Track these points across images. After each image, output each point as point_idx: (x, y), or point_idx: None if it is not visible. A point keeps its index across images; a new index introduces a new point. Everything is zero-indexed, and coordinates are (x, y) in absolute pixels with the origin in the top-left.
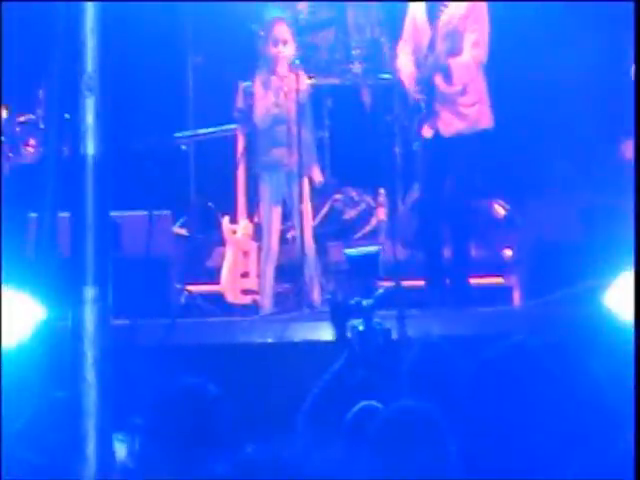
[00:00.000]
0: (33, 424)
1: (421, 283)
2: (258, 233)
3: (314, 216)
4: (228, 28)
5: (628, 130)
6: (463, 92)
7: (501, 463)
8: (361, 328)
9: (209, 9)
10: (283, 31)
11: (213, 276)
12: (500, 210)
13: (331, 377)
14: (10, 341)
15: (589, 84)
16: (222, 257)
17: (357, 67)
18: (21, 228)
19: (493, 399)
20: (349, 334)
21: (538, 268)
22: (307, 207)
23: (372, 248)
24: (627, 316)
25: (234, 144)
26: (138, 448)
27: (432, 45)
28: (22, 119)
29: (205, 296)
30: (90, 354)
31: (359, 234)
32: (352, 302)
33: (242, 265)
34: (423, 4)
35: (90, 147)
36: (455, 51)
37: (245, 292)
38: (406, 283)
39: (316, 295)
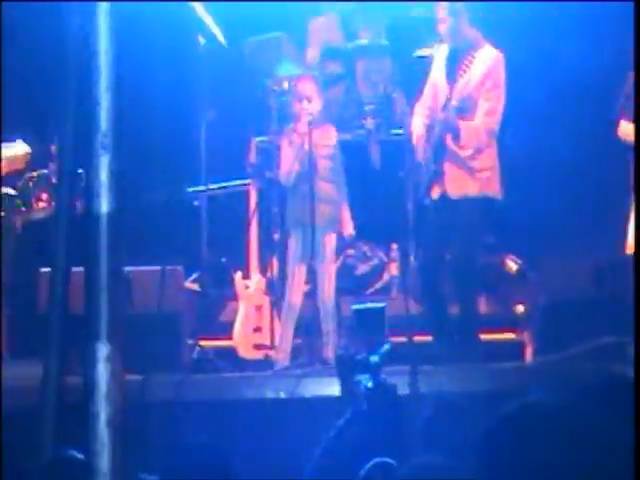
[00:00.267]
0: None
1: (432, 338)
2: (271, 288)
3: None
4: (241, 83)
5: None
6: (474, 156)
7: None
8: (368, 384)
9: (222, 64)
10: (308, 87)
11: (226, 331)
12: (512, 265)
13: (337, 433)
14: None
15: (600, 142)
16: (234, 312)
17: (369, 123)
18: (33, 283)
19: (506, 457)
20: (355, 389)
21: (550, 324)
22: (332, 263)
23: (378, 304)
24: None
25: (247, 199)
26: None
27: (446, 106)
28: (34, 174)
29: (217, 351)
30: (104, 413)
31: (371, 289)
32: (359, 357)
33: (254, 320)
34: (443, 67)
35: (104, 205)
36: (467, 115)
37: (257, 347)
38: (418, 338)
39: (329, 350)
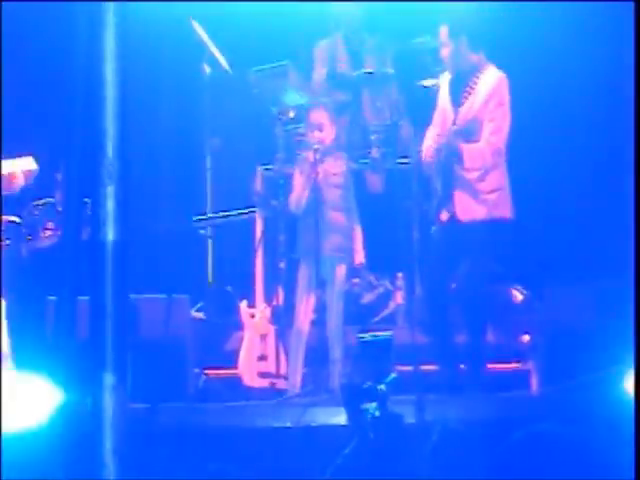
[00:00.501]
0: None
1: (438, 367)
2: (276, 317)
3: None
4: (247, 112)
5: None
6: (481, 178)
7: None
8: (375, 413)
9: (228, 92)
10: (319, 116)
11: (231, 360)
12: (518, 295)
13: (343, 461)
14: (28, 427)
15: (607, 170)
16: (240, 341)
17: (375, 151)
18: (40, 312)
19: None
20: (362, 418)
21: (556, 353)
22: (340, 292)
23: (385, 333)
24: None
25: (252, 228)
26: None
27: (449, 131)
28: (40, 202)
29: (223, 380)
30: (109, 440)
31: (377, 318)
32: (365, 386)
33: (259, 348)
34: (448, 92)
35: (110, 233)
36: (474, 137)
37: (262, 375)
38: (424, 367)
39: (335, 379)
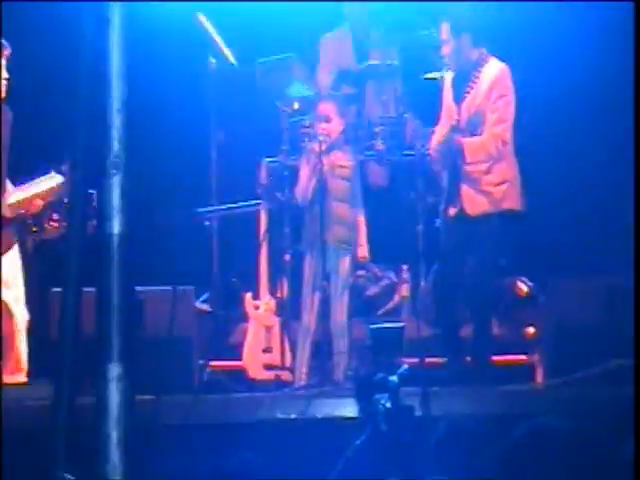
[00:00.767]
0: None
1: (443, 360)
2: (281, 309)
3: None
4: (252, 104)
5: None
6: (488, 171)
7: None
8: (387, 404)
9: (233, 85)
10: (327, 108)
11: (236, 352)
12: (523, 288)
13: (354, 453)
14: (33, 419)
15: (616, 163)
16: (245, 333)
17: (380, 144)
18: (45, 303)
19: (515, 479)
20: (374, 410)
21: (561, 346)
22: (345, 285)
23: (396, 324)
24: None
25: (257, 220)
26: None
27: (451, 127)
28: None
29: (228, 372)
30: (115, 434)
31: (382, 311)
32: (377, 378)
33: (264, 341)
34: (451, 89)
35: (116, 225)
36: (478, 130)
37: (267, 367)
38: (429, 361)
39: (340, 371)
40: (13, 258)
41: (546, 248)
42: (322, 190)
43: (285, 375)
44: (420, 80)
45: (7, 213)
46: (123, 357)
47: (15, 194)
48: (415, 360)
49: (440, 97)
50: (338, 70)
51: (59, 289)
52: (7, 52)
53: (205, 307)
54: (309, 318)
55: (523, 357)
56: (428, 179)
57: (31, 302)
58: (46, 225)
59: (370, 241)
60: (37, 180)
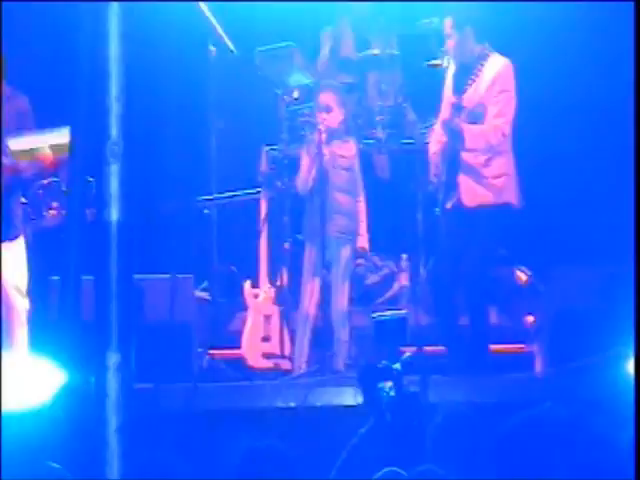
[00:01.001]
0: None
1: (442, 349)
2: (280, 297)
3: None
4: (252, 92)
5: None
6: (487, 163)
7: None
8: (391, 392)
9: (233, 73)
10: (327, 98)
11: (235, 340)
12: (522, 277)
13: (360, 440)
14: (32, 406)
15: (613, 154)
16: (244, 321)
17: (380, 133)
18: (44, 291)
19: (513, 467)
20: (378, 398)
21: (560, 335)
22: (345, 274)
23: (399, 312)
24: None
25: (257, 208)
26: None
27: (452, 115)
28: (45, 182)
29: (227, 360)
30: (113, 420)
31: (381, 299)
32: (381, 366)
33: (263, 329)
34: (452, 81)
35: (114, 213)
36: (479, 123)
37: (266, 356)
38: (427, 349)
39: (340, 360)
40: (17, 248)
41: (545, 237)
42: (322, 180)
43: (284, 364)
44: (420, 69)
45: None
46: (122, 345)
47: (22, 141)
48: (414, 349)
49: (441, 85)
50: (339, 59)
51: (58, 277)
52: None
53: (204, 295)
54: (308, 307)
55: (522, 346)
56: (428, 168)
57: (30, 291)
58: (45, 213)
59: (370, 230)
60: (47, 131)
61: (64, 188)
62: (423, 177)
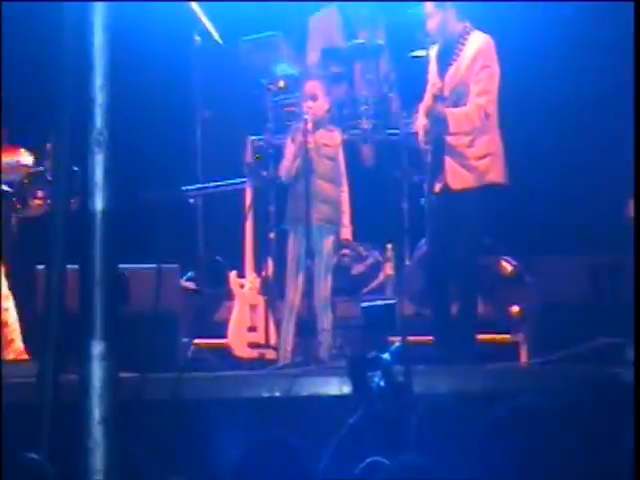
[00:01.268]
0: None
1: (428, 339)
2: (266, 287)
3: None
4: (237, 82)
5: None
6: (470, 144)
7: None
8: (381, 383)
9: (218, 62)
10: (313, 87)
11: (220, 330)
12: (508, 267)
13: (348, 431)
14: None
15: (600, 143)
16: (229, 311)
17: (365, 123)
18: (28, 281)
19: (498, 458)
20: (367, 388)
21: (546, 326)
22: (329, 263)
23: (389, 301)
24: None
25: (242, 198)
26: None
27: (440, 98)
28: (30, 171)
29: (212, 350)
30: (98, 411)
31: (367, 289)
32: (370, 356)
33: (249, 319)
34: (435, 63)
35: (99, 202)
36: (461, 103)
37: (252, 346)
38: (413, 339)
39: (324, 350)
40: None
41: (531, 227)
42: (307, 169)
43: (269, 353)
44: (406, 59)
45: None
46: (107, 335)
47: None
48: (399, 338)
49: (426, 75)
50: (325, 49)
51: (43, 266)
52: None
53: (190, 285)
54: (293, 296)
55: (508, 336)
56: (413, 157)
57: (15, 280)
58: (30, 202)
59: (355, 220)
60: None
61: (49, 177)
62: (408, 167)
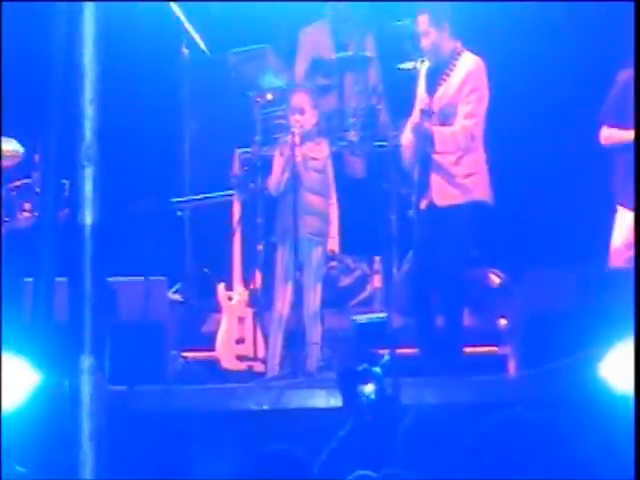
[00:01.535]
0: None
1: (415, 351)
2: (254, 299)
3: None
4: (225, 94)
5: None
6: (457, 162)
7: None
8: (372, 396)
9: (206, 75)
10: (300, 100)
11: (209, 342)
12: (495, 279)
13: (339, 444)
14: (6, 408)
15: (585, 154)
16: (217, 323)
17: (353, 135)
18: (17, 293)
19: (486, 469)
20: (358, 401)
21: (533, 337)
22: (317, 275)
23: (380, 315)
24: (623, 386)
25: (230, 211)
26: None
27: (427, 113)
28: (18, 183)
29: (201, 362)
30: (87, 423)
31: (354, 301)
32: (360, 369)
33: (237, 331)
34: (425, 80)
35: (88, 215)
36: (449, 122)
37: (240, 358)
38: (400, 351)
39: (313, 362)
40: None
41: (518, 239)
42: (295, 181)
43: (258, 366)
44: (395, 71)
45: None
46: (96, 348)
47: None
48: (387, 350)
49: (415, 88)
50: (314, 61)
51: (31, 279)
52: None
53: (177, 297)
54: (281, 309)
55: (495, 348)
56: (400, 170)
57: (3, 292)
58: (18, 215)
59: (343, 232)
60: None
61: (37, 190)
62: (396, 179)
